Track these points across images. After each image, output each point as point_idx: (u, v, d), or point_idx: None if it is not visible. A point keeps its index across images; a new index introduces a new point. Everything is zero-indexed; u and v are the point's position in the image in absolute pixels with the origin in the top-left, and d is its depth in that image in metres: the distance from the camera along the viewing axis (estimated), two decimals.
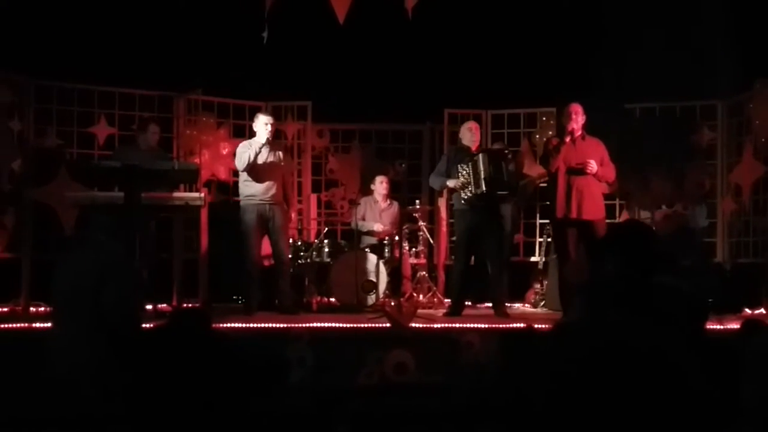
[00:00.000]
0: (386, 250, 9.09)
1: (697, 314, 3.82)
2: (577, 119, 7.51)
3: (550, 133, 9.74)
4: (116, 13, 8.99)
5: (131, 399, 1.98)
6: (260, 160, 8.13)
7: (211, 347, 2.02)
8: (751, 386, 2.33)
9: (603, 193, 7.81)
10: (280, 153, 8.40)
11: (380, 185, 9.58)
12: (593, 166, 7.41)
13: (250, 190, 8.19)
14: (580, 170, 7.45)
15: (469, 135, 8.30)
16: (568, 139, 7.47)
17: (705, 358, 2.82)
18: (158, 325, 3.52)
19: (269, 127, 8.24)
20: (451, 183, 8.15)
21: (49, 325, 5.11)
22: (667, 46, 9.24)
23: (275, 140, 8.59)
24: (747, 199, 8.89)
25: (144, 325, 4.94)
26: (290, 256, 8.57)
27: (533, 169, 9.79)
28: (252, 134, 9.56)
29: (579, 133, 7.54)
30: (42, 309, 7.93)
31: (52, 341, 4.79)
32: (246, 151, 8.12)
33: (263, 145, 8.15)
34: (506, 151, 8.60)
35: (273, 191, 8.20)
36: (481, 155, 8.02)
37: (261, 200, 8.16)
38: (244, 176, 8.24)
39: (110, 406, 3.36)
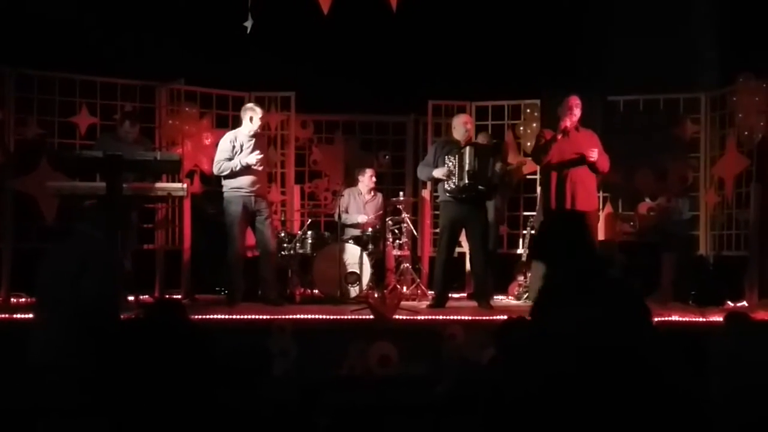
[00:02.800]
0: (369, 242, 9.07)
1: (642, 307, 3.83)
2: (576, 112, 7.55)
3: (534, 125, 9.75)
4: (98, 2, 8.91)
5: (108, 389, 1.96)
6: (246, 156, 8.06)
7: (187, 338, 2.00)
8: (733, 377, 2.33)
9: (596, 184, 7.83)
10: (266, 151, 8.39)
11: (369, 179, 9.55)
12: (594, 153, 7.44)
13: (235, 182, 8.13)
14: (577, 161, 7.47)
15: (463, 129, 8.24)
16: (560, 137, 7.50)
17: (674, 350, 2.82)
18: (134, 316, 3.50)
19: (259, 122, 8.23)
20: (436, 173, 8.13)
21: (30, 315, 5.08)
22: (651, 39, 9.25)
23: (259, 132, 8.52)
24: (730, 192, 8.92)
25: (123, 316, 4.91)
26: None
27: (516, 159, 9.81)
28: (236, 124, 9.53)
29: (574, 125, 7.56)
30: (23, 300, 7.88)
31: (33, 331, 4.76)
32: (229, 158, 8.06)
33: (250, 137, 8.12)
34: (496, 148, 8.60)
35: (259, 184, 8.17)
36: (468, 148, 8.00)
37: (247, 192, 8.11)
38: None
39: (88, 396, 3.33)
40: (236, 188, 8.12)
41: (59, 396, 4.08)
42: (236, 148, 8.09)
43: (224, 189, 8.20)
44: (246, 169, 8.07)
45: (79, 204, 7.57)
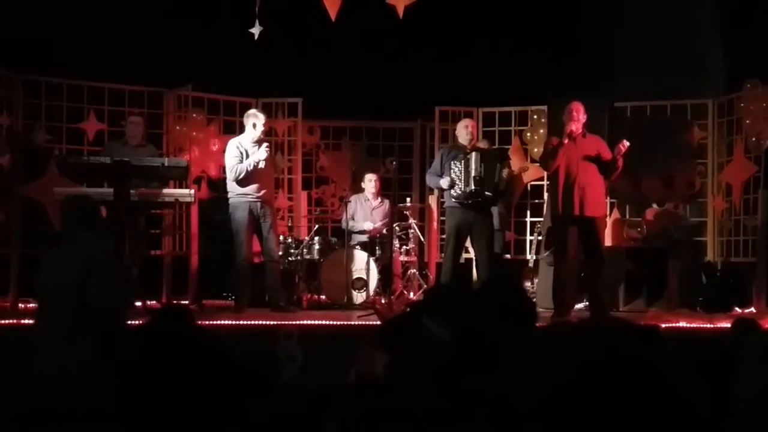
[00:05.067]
0: (376, 248, 9.07)
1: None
2: (579, 117, 7.52)
3: (541, 131, 9.74)
4: (105, 8, 8.93)
5: (118, 396, 1.96)
6: (256, 158, 8.04)
7: (195, 344, 2.00)
8: (746, 385, 2.32)
9: (604, 190, 7.81)
10: (269, 150, 8.33)
11: (370, 183, 9.56)
12: (626, 143, 7.38)
13: (242, 187, 8.10)
14: (593, 159, 7.44)
15: (465, 133, 8.27)
16: (566, 141, 7.48)
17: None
18: (141, 323, 3.50)
19: (266, 129, 8.22)
20: (442, 183, 8.15)
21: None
22: (658, 45, 9.25)
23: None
24: (738, 199, 8.91)
25: (130, 323, 4.91)
26: (280, 253, 8.55)
27: (517, 165, 9.79)
28: (243, 131, 9.53)
29: (580, 131, 7.54)
30: (31, 305, 7.88)
31: (37, 338, 4.75)
32: (238, 160, 8.02)
33: (254, 144, 8.07)
34: (502, 153, 8.60)
35: (265, 189, 8.12)
36: (474, 153, 8.01)
37: (254, 198, 8.06)
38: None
39: (97, 403, 3.33)
40: (242, 194, 8.08)
41: (68, 402, 4.08)
42: (243, 154, 8.07)
43: (230, 195, 8.18)
44: (253, 174, 8.05)
45: (68, 208, 7.61)
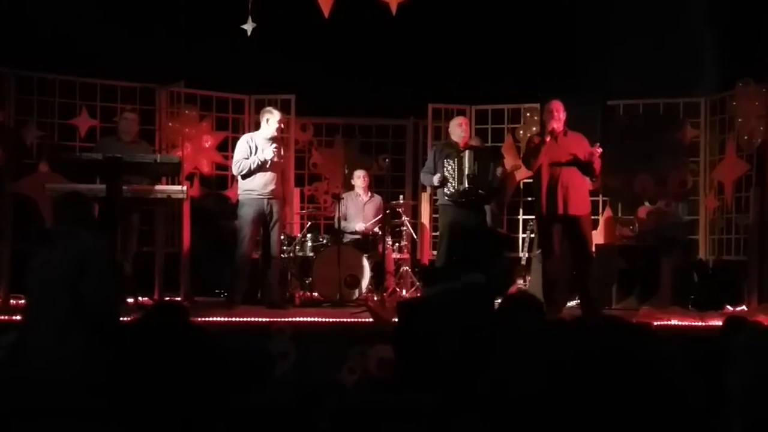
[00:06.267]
0: (369, 245, 9.06)
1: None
2: (559, 116, 7.53)
3: (534, 129, 9.75)
4: (97, 3, 8.90)
5: (112, 393, 1.95)
6: (261, 156, 7.99)
7: (189, 341, 2.00)
8: (738, 381, 2.33)
9: (588, 188, 7.82)
10: (281, 148, 8.30)
11: (358, 179, 9.58)
12: (599, 148, 7.41)
13: (249, 184, 8.01)
14: (571, 162, 7.45)
15: (459, 131, 8.29)
16: (548, 139, 7.49)
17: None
18: (135, 319, 3.50)
19: (279, 126, 8.19)
20: (434, 180, 8.15)
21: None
22: (651, 44, 9.26)
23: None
24: (729, 197, 8.93)
25: (123, 319, 4.90)
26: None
27: (510, 164, 9.80)
28: (235, 127, 9.52)
29: (561, 129, 7.55)
30: (22, 301, 7.85)
31: (28, 334, 4.72)
32: (246, 157, 7.96)
33: (267, 140, 8.02)
34: (495, 152, 8.61)
35: (272, 186, 8.04)
36: (467, 152, 8.01)
37: (260, 195, 7.99)
38: None
39: (89, 399, 3.32)
40: (249, 191, 8.02)
41: (60, 399, 4.07)
42: (252, 150, 8.01)
43: (239, 192, 8.14)
44: (260, 170, 7.97)
45: (60, 204, 7.60)
